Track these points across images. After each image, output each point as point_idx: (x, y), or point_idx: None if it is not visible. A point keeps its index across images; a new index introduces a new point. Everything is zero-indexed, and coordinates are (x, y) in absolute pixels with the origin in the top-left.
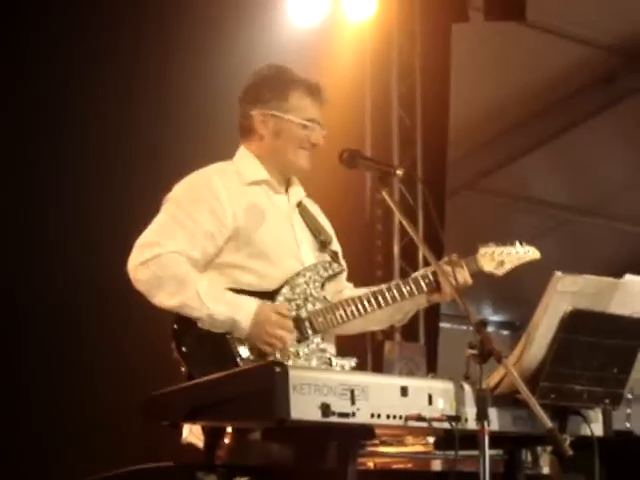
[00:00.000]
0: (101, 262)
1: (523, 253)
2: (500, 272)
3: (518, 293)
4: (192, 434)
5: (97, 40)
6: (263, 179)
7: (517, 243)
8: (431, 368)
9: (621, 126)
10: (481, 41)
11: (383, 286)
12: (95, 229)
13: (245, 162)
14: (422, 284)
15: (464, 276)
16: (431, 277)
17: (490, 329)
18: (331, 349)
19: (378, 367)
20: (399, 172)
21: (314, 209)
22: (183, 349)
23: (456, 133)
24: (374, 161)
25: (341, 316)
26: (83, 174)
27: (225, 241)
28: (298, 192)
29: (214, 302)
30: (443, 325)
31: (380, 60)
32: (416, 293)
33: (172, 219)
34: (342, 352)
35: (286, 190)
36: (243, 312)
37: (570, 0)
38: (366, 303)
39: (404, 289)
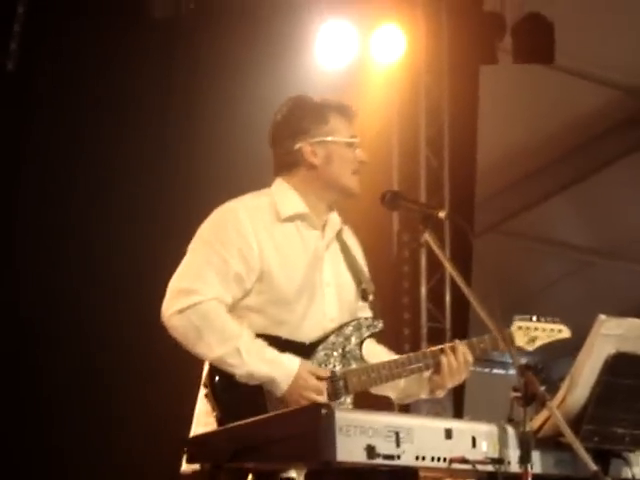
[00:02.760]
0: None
1: (556, 332)
2: (530, 348)
3: None
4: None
5: (125, 78)
6: (301, 213)
7: (550, 319)
8: (457, 411)
9: None
10: (509, 83)
11: (411, 354)
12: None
13: (283, 194)
14: (431, 361)
15: (466, 356)
16: (434, 353)
17: (512, 371)
18: None
19: (404, 410)
20: (442, 214)
21: (351, 242)
22: (217, 393)
23: (480, 175)
24: (417, 203)
25: (374, 379)
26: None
27: (252, 283)
28: (334, 225)
29: (255, 360)
30: (469, 368)
31: (408, 102)
32: (431, 366)
33: (205, 261)
34: (368, 393)
35: (323, 227)
36: (283, 372)
37: (596, 44)
38: (401, 368)
39: (425, 360)
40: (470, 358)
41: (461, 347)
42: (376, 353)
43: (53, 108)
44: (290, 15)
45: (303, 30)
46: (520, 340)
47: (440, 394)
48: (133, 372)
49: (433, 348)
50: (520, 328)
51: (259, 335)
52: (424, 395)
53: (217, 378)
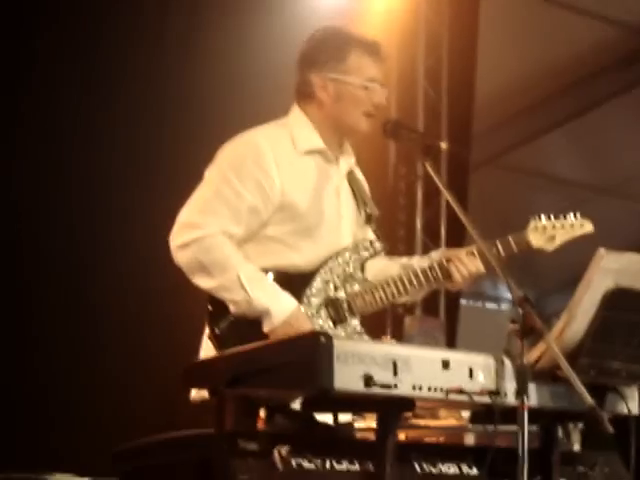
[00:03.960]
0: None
1: (578, 227)
2: (550, 247)
3: (534, 269)
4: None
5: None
6: (318, 148)
7: (571, 214)
8: (450, 344)
9: None
10: (508, 16)
11: (416, 263)
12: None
13: (300, 127)
14: (439, 273)
15: (477, 265)
16: (443, 266)
17: (504, 305)
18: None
19: (397, 341)
20: (443, 145)
21: (361, 177)
22: (216, 331)
23: (478, 108)
24: (418, 133)
25: (381, 298)
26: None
27: (270, 215)
28: (349, 160)
29: (255, 288)
30: (462, 302)
31: (407, 33)
32: (440, 279)
33: (216, 194)
34: (362, 326)
35: (337, 158)
36: (280, 307)
37: None
38: (408, 284)
39: (434, 273)
40: (480, 266)
41: (471, 256)
42: (384, 267)
43: (47, 85)
44: None
45: None
46: (537, 241)
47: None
48: (130, 306)
49: (440, 257)
50: (536, 228)
51: (265, 269)
52: (434, 289)
53: (218, 318)
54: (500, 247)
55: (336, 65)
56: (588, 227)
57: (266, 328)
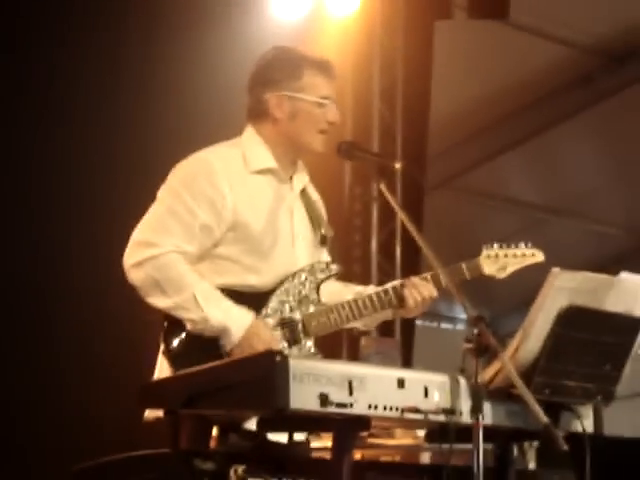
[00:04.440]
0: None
1: (529, 256)
2: (501, 275)
3: (489, 290)
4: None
5: (81, 37)
6: (269, 167)
7: (522, 244)
8: (406, 364)
9: (597, 127)
10: (463, 38)
11: (371, 291)
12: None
13: (252, 146)
14: (393, 298)
15: (429, 290)
16: (397, 290)
17: (460, 326)
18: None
19: (353, 361)
20: (398, 165)
21: (315, 195)
22: (171, 347)
23: (433, 130)
24: (372, 154)
25: (335, 320)
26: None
27: (223, 233)
28: (302, 178)
29: (211, 306)
30: (417, 322)
31: (362, 55)
32: (395, 304)
33: (169, 212)
34: (318, 345)
35: (290, 177)
36: (237, 322)
37: (552, 1)
38: (362, 308)
39: (388, 297)
40: (433, 290)
41: (424, 281)
42: (338, 291)
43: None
44: None
45: None
46: (489, 268)
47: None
48: (88, 322)
49: (395, 283)
50: (489, 257)
51: (219, 288)
52: (388, 318)
53: (174, 334)
54: (453, 273)
55: (291, 83)
56: (539, 257)
57: (227, 346)
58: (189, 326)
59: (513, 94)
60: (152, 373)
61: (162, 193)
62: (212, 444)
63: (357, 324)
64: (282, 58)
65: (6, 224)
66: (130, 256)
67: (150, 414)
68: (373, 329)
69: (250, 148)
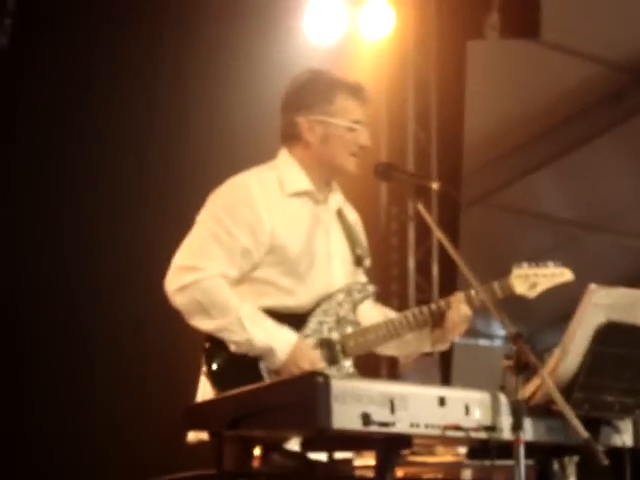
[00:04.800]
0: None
1: (558, 275)
2: (532, 294)
3: (525, 305)
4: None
5: (112, 53)
6: (305, 190)
7: (551, 264)
8: (444, 381)
9: (629, 143)
10: (495, 58)
11: (408, 311)
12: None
13: (287, 169)
14: (428, 317)
15: (465, 310)
16: (432, 309)
17: (497, 342)
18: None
19: (393, 380)
20: (435, 185)
21: (352, 217)
22: (213, 368)
23: (467, 149)
24: (409, 174)
25: (372, 340)
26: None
27: (261, 257)
28: (338, 200)
29: (255, 328)
30: (456, 339)
31: (396, 77)
32: (430, 323)
33: (210, 236)
34: (357, 364)
35: (326, 198)
36: (282, 342)
37: (582, 19)
38: (399, 327)
39: (424, 315)
40: (469, 311)
41: (459, 300)
42: (374, 315)
43: (44, 87)
44: None
45: (292, 4)
46: (520, 288)
47: (443, 347)
48: (128, 346)
49: (431, 304)
50: (519, 276)
51: (277, 313)
52: (427, 349)
53: (216, 355)
54: (486, 292)
55: (323, 107)
56: (568, 275)
57: (273, 366)
58: (233, 348)
59: (545, 112)
60: (193, 394)
61: (202, 218)
62: (255, 464)
63: (396, 352)
64: (314, 82)
65: (50, 246)
66: (173, 281)
67: (193, 436)
68: None
69: (285, 171)
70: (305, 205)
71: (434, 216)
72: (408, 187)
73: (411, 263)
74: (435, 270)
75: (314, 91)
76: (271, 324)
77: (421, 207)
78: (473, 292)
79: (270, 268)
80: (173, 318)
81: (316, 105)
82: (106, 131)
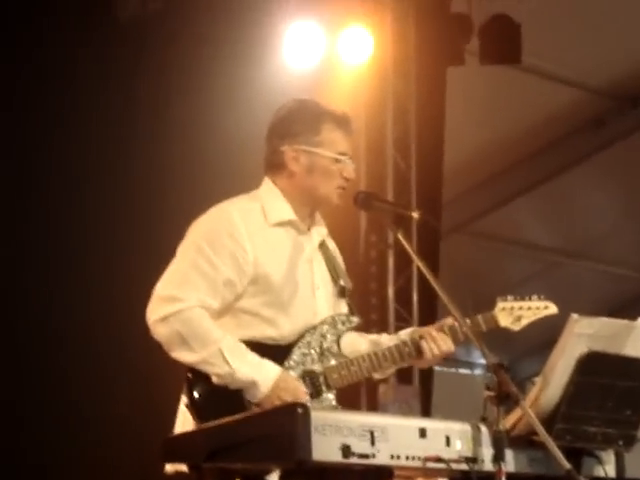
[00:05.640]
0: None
1: (542, 309)
2: (516, 327)
3: (505, 335)
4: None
5: (91, 81)
6: (289, 220)
7: (535, 297)
8: (425, 411)
9: (609, 170)
10: (475, 84)
11: (386, 339)
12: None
13: (271, 199)
14: (413, 350)
15: (447, 344)
16: (416, 343)
17: (478, 371)
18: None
19: (372, 410)
20: (415, 215)
21: (333, 248)
22: (195, 398)
23: (447, 176)
24: (389, 203)
25: (355, 372)
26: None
27: (244, 287)
28: (321, 231)
29: (237, 361)
30: (436, 368)
31: (375, 103)
32: (414, 356)
33: (192, 267)
34: (336, 394)
35: (309, 228)
36: (265, 375)
37: (563, 45)
38: (382, 360)
39: (407, 349)
40: (451, 345)
41: (442, 334)
42: (352, 342)
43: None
44: (258, 15)
45: (271, 31)
46: (505, 321)
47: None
48: (108, 376)
49: (412, 334)
50: (504, 309)
51: (242, 341)
52: (403, 366)
53: (197, 386)
54: (470, 325)
55: (309, 137)
56: (552, 309)
57: (255, 399)
58: (215, 380)
59: (526, 138)
60: (171, 426)
61: (184, 248)
62: None
63: (376, 375)
64: (300, 110)
65: (24, 274)
66: (154, 311)
67: (171, 467)
68: (392, 377)
69: (269, 201)
70: (288, 235)
71: (414, 244)
72: (388, 216)
73: (391, 292)
74: (415, 299)
75: (300, 120)
76: (253, 357)
77: (401, 236)
78: (457, 324)
79: (253, 298)
80: (157, 346)
81: (302, 135)
82: (83, 157)
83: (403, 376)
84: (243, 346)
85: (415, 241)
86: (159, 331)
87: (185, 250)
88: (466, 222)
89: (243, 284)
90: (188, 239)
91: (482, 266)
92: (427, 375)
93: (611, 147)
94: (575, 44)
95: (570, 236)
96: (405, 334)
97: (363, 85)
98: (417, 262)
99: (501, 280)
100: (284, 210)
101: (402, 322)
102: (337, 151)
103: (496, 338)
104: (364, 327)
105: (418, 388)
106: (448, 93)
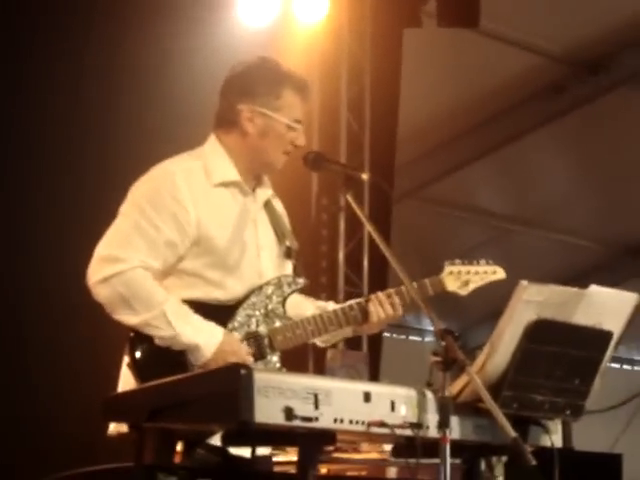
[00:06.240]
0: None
1: (490, 273)
2: (464, 292)
3: (457, 302)
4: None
5: (47, 41)
6: (232, 180)
7: (483, 261)
8: (373, 377)
9: (566, 138)
10: (432, 47)
11: (338, 307)
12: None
13: (215, 158)
14: (358, 313)
15: (395, 308)
16: (362, 306)
17: (428, 338)
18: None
19: (320, 374)
20: (365, 176)
21: (279, 207)
22: (137, 358)
23: (401, 140)
24: (340, 164)
25: (300, 335)
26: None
27: (187, 249)
28: (266, 191)
29: (180, 323)
30: (385, 334)
31: (330, 63)
32: (359, 320)
33: (134, 227)
34: (284, 358)
35: (254, 190)
36: (208, 338)
37: (523, 9)
38: (328, 323)
39: (353, 312)
40: (399, 309)
41: (390, 298)
42: (298, 304)
43: None
44: None
45: None
46: (452, 285)
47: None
48: (61, 335)
49: (360, 300)
50: (451, 273)
51: (186, 302)
52: (348, 336)
53: (140, 346)
54: (417, 288)
55: (269, 101)
56: (501, 274)
57: (197, 362)
58: (158, 342)
59: (483, 103)
60: (116, 386)
61: (125, 208)
62: (177, 459)
63: (322, 339)
64: (262, 70)
65: None
66: (95, 272)
67: (114, 429)
68: (340, 342)
69: (213, 160)
70: (232, 196)
71: (365, 208)
72: (338, 178)
73: (341, 256)
74: (366, 263)
75: (261, 80)
76: (197, 319)
77: (351, 199)
78: (404, 289)
79: (196, 260)
80: (97, 306)
81: (262, 96)
82: (29, 127)
83: (352, 341)
84: (187, 308)
85: (367, 205)
86: (100, 292)
87: (127, 211)
88: (419, 187)
89: (185, 245)
90: (130, 199)
91: (434, 232)
92: (376, 341)
93: (569, 114)
94: (535, 9)
95: (524, 204)
96: (354, 301)
97: (318, 44)
98: (367, 226)
99: (453, 246)
100: (228, 170)
101: (352, 286)
102: (293, 118)
103: (447, 306)
104: (313, 290)
105: (367, 354)
106: (404, 55)
